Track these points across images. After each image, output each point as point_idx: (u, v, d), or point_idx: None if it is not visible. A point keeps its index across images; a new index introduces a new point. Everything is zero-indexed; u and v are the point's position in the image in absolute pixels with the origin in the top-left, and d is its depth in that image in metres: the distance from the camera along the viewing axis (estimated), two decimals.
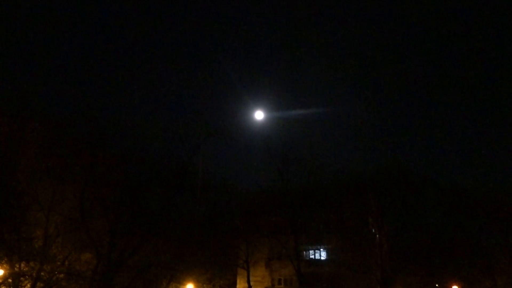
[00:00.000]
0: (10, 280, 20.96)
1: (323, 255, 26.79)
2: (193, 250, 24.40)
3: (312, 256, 26.86)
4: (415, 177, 24.33)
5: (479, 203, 24.29)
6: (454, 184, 24.54)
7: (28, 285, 21.64)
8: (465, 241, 24.11)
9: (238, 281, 30.65)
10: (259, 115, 26.51)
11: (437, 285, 25.83)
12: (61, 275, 22.58)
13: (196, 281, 28.18)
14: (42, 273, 21.24)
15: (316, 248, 26.33)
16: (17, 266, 20.73)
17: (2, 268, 20.96)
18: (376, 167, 25.61)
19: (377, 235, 24.65)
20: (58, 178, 22.27)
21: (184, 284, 28.02)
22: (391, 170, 25.06)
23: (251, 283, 27.39)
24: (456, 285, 25.19)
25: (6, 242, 20.24)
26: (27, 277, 21.38)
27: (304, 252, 26.46)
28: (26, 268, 21.11)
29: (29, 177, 21.50)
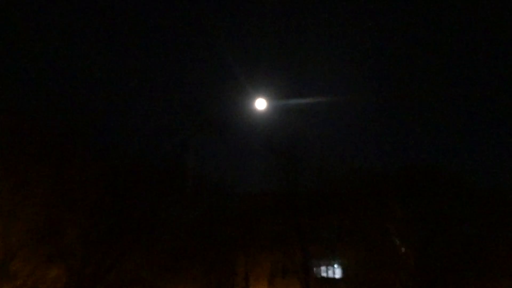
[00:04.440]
0: None
1: (336, 272, 23.53)
2: (182, 264, 21.49)
3: (324, 274, 23.58)
4: (446, 178, 21.30)
5: None
6: (495, 187, 21.48)
7: None
8: (508, 255, 20.94)
9: None
10: (260, 104, 23.60)
11: None
12: None
13: None
14: None
15: (328, 263, 23.18)
16: None
17: None
18: (399, 165, 22.72)
19: (402, 247, 21.58)
20: (20, 179, 19.63)
21: None
22: (417, 169, 22.06)
23: None
24: None
25: None
26: None
27: (314, 268, 23.31)
28: None
29: None
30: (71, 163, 21.06)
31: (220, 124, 23.17)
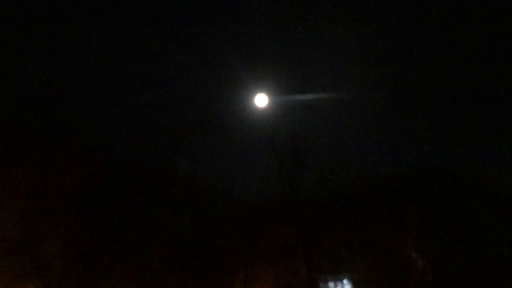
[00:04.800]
0: None
1: None
2: (173, 279, 19.39)
3: None
4: (471, 182, 19.23)
5: None
6: None
7: None
8: None
9: None
10: (261, 100, 21.52)
11: None
12: None
13: None
14: None
15: (336, 278, 21.05)
16: None
17: None
18: (415, 168, 20.55)
19: (419, 261, 19.53)
20: None
21: None
22: (436, 172, 19.98)
23: None
24: None
25: None
26: None
27: (321, 284, 21.14)
28: None
29: None
30: (49, 167, 19.23)
31: (216, 122, 21.14)
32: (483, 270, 18.90)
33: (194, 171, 20.14)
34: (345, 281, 21.17)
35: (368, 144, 21.80)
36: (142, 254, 20.11)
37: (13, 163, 18.23)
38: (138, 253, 20.04)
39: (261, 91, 22.18)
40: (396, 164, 20.62)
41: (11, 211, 18.26)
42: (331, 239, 20.49)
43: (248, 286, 21.23)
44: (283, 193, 20.81)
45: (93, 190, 19.43)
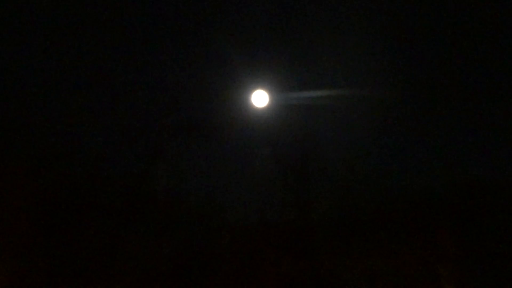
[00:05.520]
0: None
1: None
2: None
3: None
4: None
5: None
6: None
7: None
8: None
9: None
10: (260, 98, 17.93)
11: None
12: None
13: None
14: None
15: None
16: None
17: None
18: (449, 182, 17.02)
19: None
20: None
21: None
22: (478, 187, 16.51)
23: None
24: None
25: None
26: None
27: None
28: None
29: None
30: None
31: (204, 124, 17.51)
32: None
33: (177, 185, 16.49)
34: None
35: (391, 152, 18.38)
36: None
37: None
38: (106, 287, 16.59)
39: (259, 87, 18.74)
40: (426, 176, 17.15)
41: None
42: (348, 272, 16.88)
43: None
44: (288, 213, 17.16)
45: (48, 210, 15.88)
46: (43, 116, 15.26)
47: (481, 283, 16.46)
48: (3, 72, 16.84)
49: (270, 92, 18.20)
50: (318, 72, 21.71)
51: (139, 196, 16.08)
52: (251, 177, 17.45)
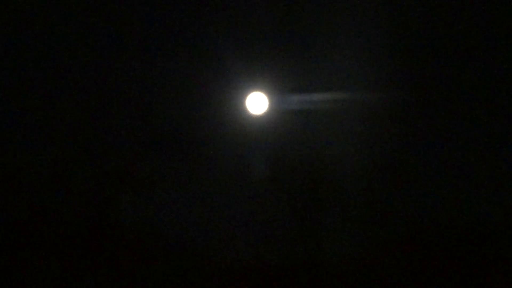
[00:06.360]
0: None
1: None
2: None
3: None
4: None
5: None
6: None
7: None
8: None
9: None
10: (257, 104, 14.63)
11: None
12: None
13: None
14: None
15: None
16: None
17: None
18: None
19: None
20: None
21: None
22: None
23: None
24: None
25: None
26: None
27: None
28: None
29: None
30: None
31: (186, 138, 14.14)
32: None
33: (150, 220, 13.17)
34: None
35: (418, 170, 15.21)
36: None
37: None
38: None
39: (256, 89, 15.42)
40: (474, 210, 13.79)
41: None
42: None
43: None
44: (293, 252, 13.91)
45: None
46: None
47: None
48: None
49: (269, 95, 14.91)
50: (327, 70, 18.32)
51: (100, 234, 12.79)
52: (245, 204, 14.20)
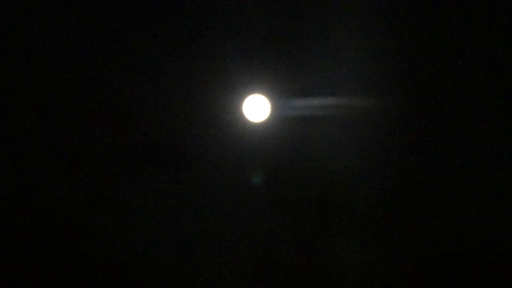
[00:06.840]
0: None
1: None
2: None
3: None
4: None
5: None
6: None
7: None
8: None
9: None
10: (256, 110, 12.99)
11: None
12: None
13: None
14: None
15: None
16: None
17: None
18: None
19: None
20: None
21: None
22: None
23: None
24: None
25: None
26: None
27: None
28: None
29: None
30: None
31: (175, 150, 12.42)
32: None
33: (129, 247, 11.38)
34: None
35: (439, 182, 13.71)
36: None
37: None
38: None
39: (255, 91, 13.77)
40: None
41: None
42: None
43: None
44: (300, 284, 12.30)
45: None
46: None
47: None
48: None
49: (272, 100, 13.27)
50: (337, 71, 16.71)
51: (74, 260, 11.02)
52: (243, 227, 12.48)
